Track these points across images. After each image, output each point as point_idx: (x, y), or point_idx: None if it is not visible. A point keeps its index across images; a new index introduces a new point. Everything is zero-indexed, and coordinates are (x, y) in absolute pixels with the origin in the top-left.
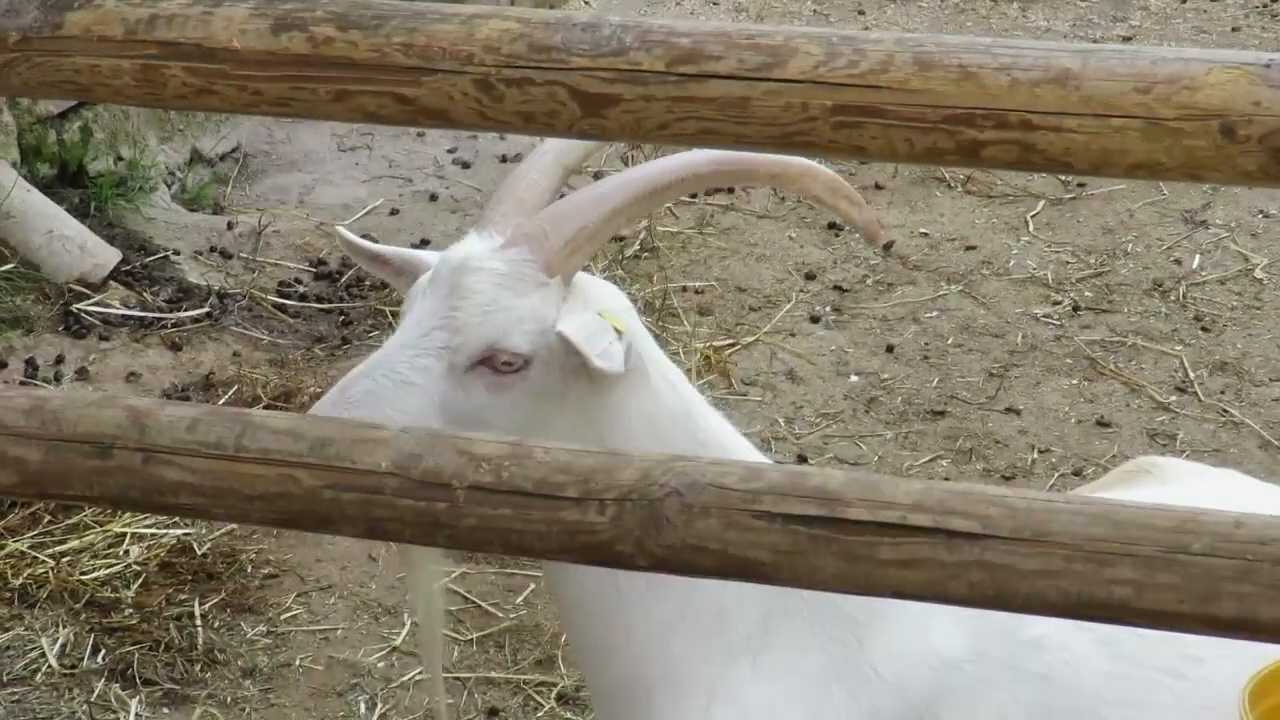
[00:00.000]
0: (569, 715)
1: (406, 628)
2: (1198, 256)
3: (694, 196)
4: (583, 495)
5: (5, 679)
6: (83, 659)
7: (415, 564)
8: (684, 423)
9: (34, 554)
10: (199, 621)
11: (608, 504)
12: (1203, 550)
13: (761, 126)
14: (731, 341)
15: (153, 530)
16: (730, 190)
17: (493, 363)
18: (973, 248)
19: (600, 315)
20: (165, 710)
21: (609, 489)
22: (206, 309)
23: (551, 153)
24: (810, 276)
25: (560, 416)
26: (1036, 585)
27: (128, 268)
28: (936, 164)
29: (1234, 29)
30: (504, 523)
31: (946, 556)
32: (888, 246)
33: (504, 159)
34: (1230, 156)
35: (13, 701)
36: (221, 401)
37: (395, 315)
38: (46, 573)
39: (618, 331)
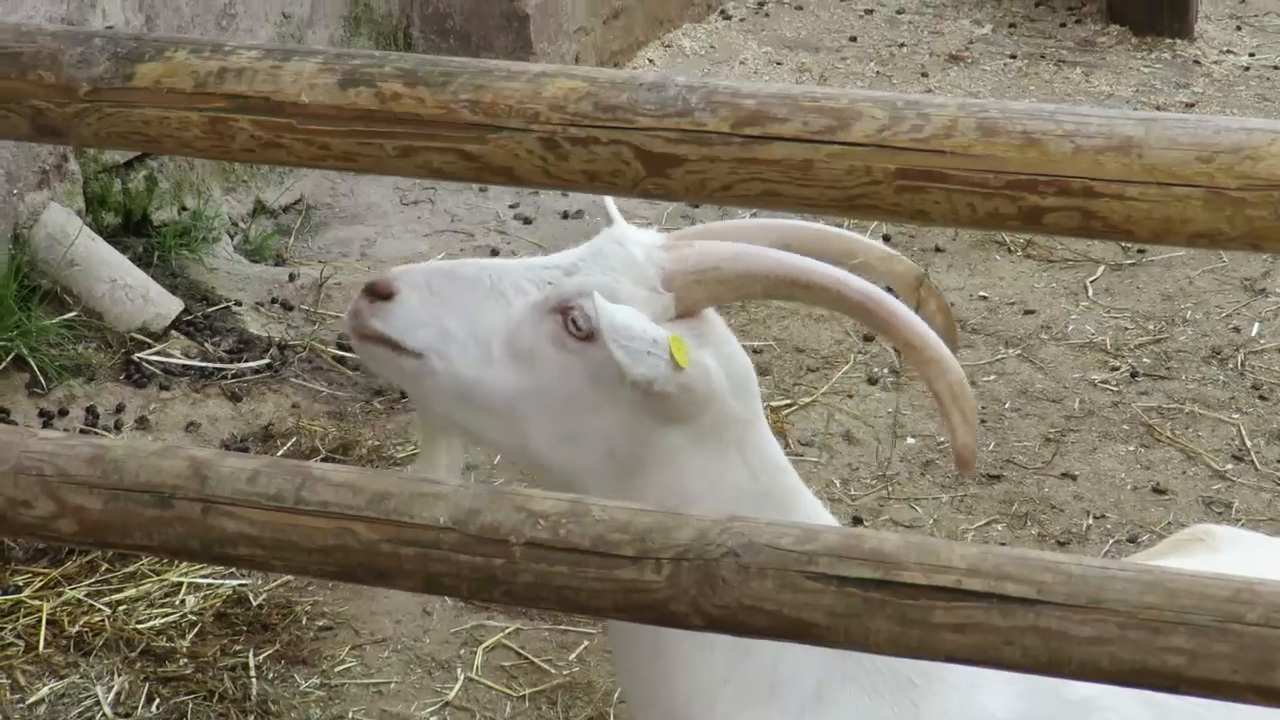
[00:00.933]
0: None
1: (459, 683)
2: (1257, 324)
3: None
4: (639, 554)
5: None
6: (137, 708)
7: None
8: (757, 507)
9: (90, 602)
10: (253, 672)
11: (664, 563)
12: (1257, 620)
13: (824, 189)
14: (789, 402)
15: (209, 580)
16: None
17: (567, 315)
18: (1032, 312)
19: (672, 338)
20: None
21: (665, 548)
22: (267, 360)
23: (779, 221)
24: (868, 338)
25: (603, 415)
26: (1090, 652)
27: (189, 318)
28: (998, 229)
29: None
30: (560, 580)
31: (1001, 621)
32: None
33: (565, 215)
34: None
35: None
36: (280, 453)
37: None
38: (103, 621)
39: (676, 361)
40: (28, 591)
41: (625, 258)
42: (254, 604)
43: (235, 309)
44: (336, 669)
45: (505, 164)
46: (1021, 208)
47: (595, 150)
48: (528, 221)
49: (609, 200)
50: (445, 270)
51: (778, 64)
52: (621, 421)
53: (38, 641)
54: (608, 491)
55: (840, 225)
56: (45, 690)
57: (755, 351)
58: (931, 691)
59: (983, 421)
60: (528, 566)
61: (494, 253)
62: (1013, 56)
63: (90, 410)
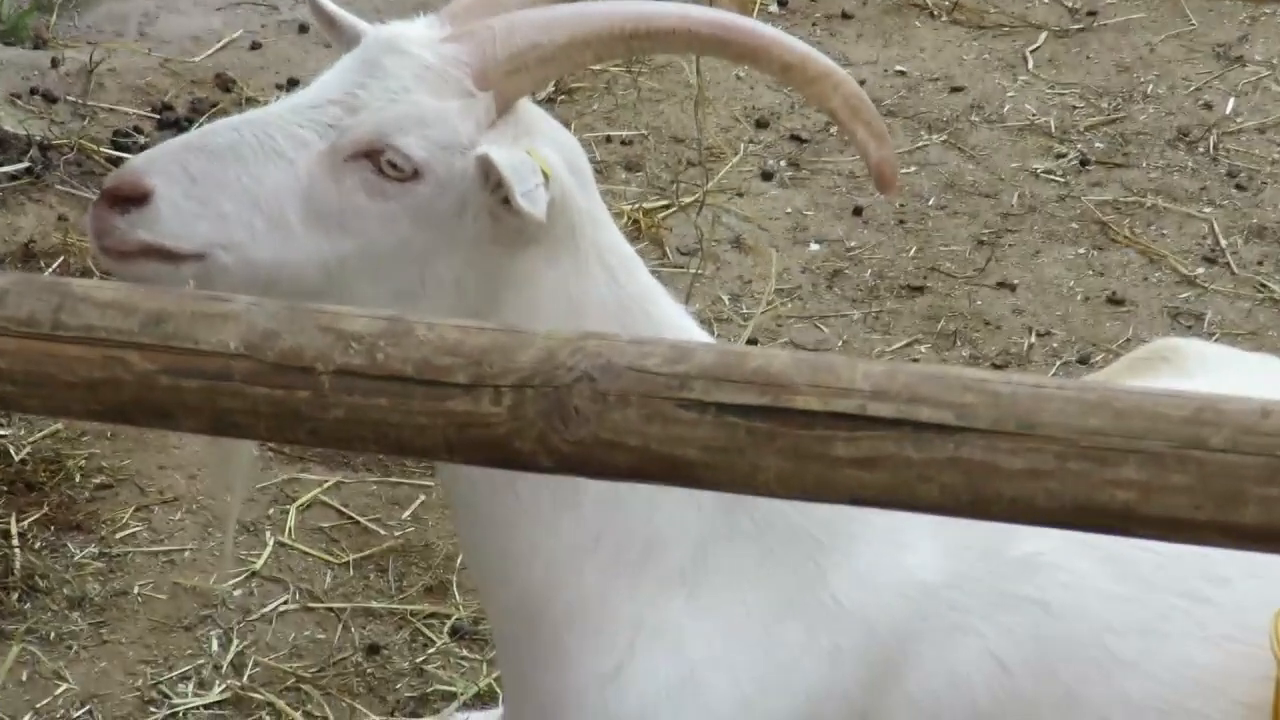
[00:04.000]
0: (465, 653)
1: (269, 548)
2: (1232, 99)
3: None
4: (474, 381)
5: None
6: None
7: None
8: (619, 318)
9: None
10: (15, 541)
11: (504, 391)
12: (1222, 445)
13: None
14: (666, 203)
15: None
16: None
17: (377, 159)
18: (959, 89)
19: (528, 153)
20: None
21: (506, 373)
22: (26, 164)
23: None
24: (762, 124)
25: (444, 257)
26: (1022, 488)
27: None
28: None
29: None
30: (378, 414)
31: (914, 453)
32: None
33: None
34: None
35: None
36: (45, 275)
37: None
38: None
39: (545, 176)
40: None
41: (413, 67)
42: (15, 459)
43: None
44: (118, 535)
45: None
46: None
47: None
48: None
49: None
50: (196, 146)
51: None
52: (465, 259)
53: None
54: None
55: None
56: None
57: (624, 143)
58: (840, 550)
59: (901, 222)
60: (339, 399)
61: (302, 29)
62: None
63: None
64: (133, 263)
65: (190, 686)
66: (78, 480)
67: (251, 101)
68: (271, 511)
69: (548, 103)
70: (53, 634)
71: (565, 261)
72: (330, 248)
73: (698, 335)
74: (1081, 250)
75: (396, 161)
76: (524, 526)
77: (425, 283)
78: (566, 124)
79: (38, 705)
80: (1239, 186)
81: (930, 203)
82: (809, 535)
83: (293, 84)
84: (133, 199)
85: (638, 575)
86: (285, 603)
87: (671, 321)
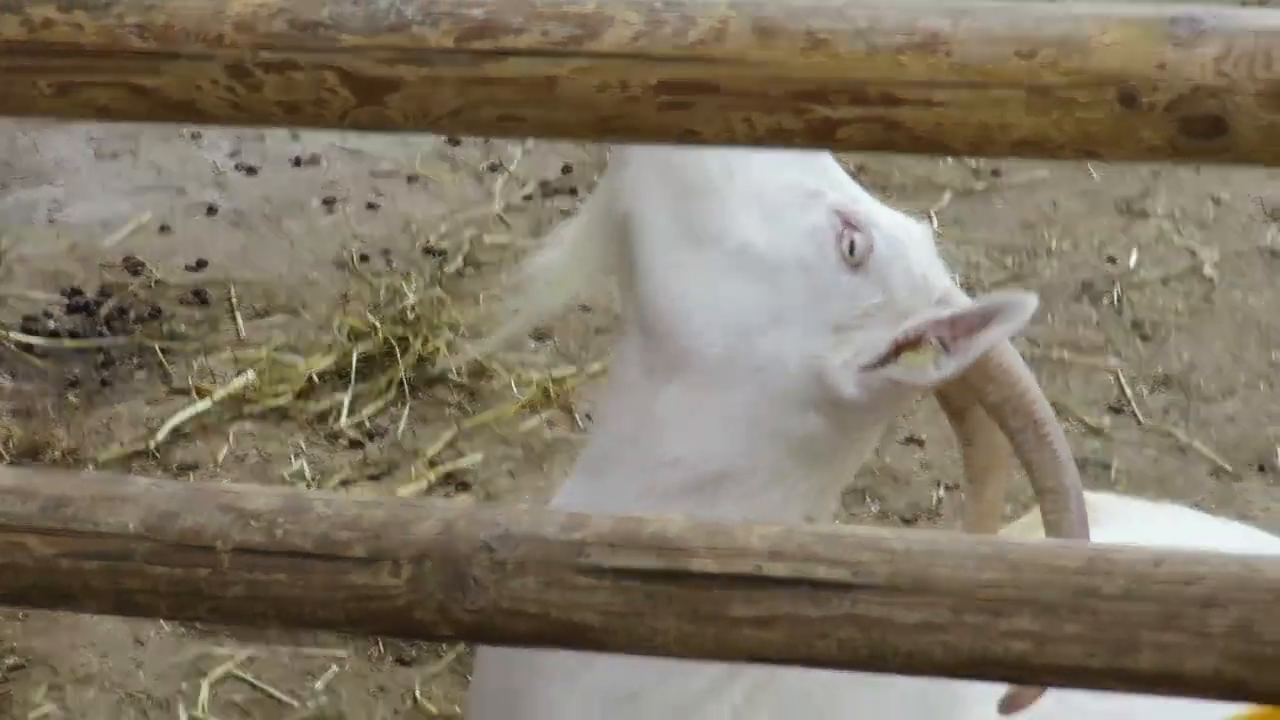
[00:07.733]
0: None
1: None
2: (1135, 252)
3: (529, 198)
4: (373, 555)
5: None
6: None
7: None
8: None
9: None
10: None
11: (403, 564)
12: (1116, 594)
13: (573, 110)
14: (574, 370)
15: None
16: (574, 191)
17: (847, 226)
18: None
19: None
20: None
21: (404, 545)
22: None
23: None
24: None
25: (777, 336)
26: (919, 642)
27: None
28: (785, 147)
29: None
30: (279, 590)
31: (812, 611)
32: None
33: (298, 162)
34: (1132, 129)
35: None
36: None
37: (166, 353)
38: None
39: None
40: None
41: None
42: None
43: None
44: (30, 716)
45: (185, 98)
46: (809, 122)
47: (293, 77)
48: (252, 171)
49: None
50: (666, 162)
51: None
52: (784, 362)
53: None
54: (700, 411)
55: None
56: None
57: None
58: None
59: None
60: (239, 576)
61: (211, 210)
62: None
63: None
64: None
65: None
66: None
67: (161, 285)
68: (184, 686)
69: (456, 275)
70: None
71: (808, 460)
72: (746, 224)
73: None
74: None
75: (858, 246)
76: (560, 666)
77: (748, 333)
78: (474, 296)
79: None
80: (1144, 337)
81: None
82: (804, 693)
83: (202, 264)
84: None
85: None
86: None
87: None
